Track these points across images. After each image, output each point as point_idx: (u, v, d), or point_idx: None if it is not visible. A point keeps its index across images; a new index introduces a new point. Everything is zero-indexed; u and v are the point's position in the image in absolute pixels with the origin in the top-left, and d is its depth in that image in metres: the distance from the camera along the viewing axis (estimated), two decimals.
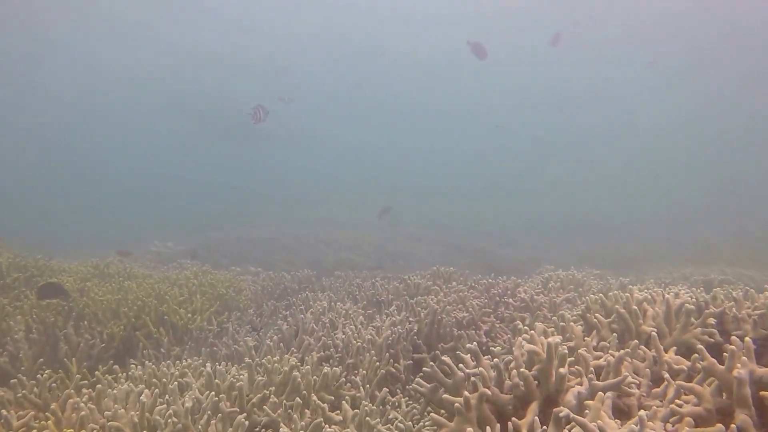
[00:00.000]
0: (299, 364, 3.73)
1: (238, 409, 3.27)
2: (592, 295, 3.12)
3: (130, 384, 3.56)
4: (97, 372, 3.94)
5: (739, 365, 1.78)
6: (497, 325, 4.35)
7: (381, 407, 3.45)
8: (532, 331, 2.43)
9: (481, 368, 2.35)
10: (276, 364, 3.58)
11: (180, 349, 5.20)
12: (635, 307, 2.70)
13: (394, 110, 41.98)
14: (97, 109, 40.80)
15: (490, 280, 5.11)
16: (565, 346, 2.37)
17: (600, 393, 1.97)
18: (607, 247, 17.66)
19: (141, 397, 3.05)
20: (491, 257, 13.29)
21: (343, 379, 3.58)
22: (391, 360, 3.91)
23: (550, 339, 2.27)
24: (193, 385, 3.45)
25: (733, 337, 1.92)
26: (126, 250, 9.35)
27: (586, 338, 2.72)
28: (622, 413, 2.17)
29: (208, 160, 40.60)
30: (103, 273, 6.89)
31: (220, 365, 3.82)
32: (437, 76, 39.08)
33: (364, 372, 3.72)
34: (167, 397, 3.34)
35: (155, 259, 10.64)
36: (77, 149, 42.53)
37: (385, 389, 3.50)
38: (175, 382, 3.40)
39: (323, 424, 3.06)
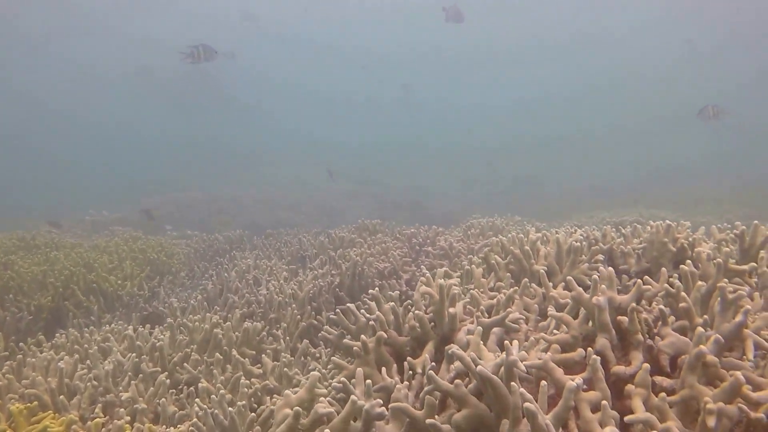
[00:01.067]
0: (221, 321, 3.77)
1: (160, 369, 3.30)
2: (493, 238, 3.24)
3: (52, 352, 3.54)
4: (21, 344, 3.88)
5: (599, 293, 1.91)
6: (417, 274, 4.47)
7: (302, 359, 3.54)
8: (428, 274, 2.53)
9: (378, 312, 2.43)
10: (197, 323, 3.60)
11: (111, 316, 5.15)
12: (528, 248, 2.83)
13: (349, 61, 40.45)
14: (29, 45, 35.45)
15: (412, 230, 5.22)
16: (457, 288, 2.48)
17: (480, 329, 2.07)
18: (544, 201, 18.14)
19: (59, 364, 3.03)
20: (427, 211, 13.48)
21: (264, 333, 3.63)
22: (314, 313, 3.99)
23: (441, 280, 2.37)
24: (114, 349, 3.45)
25: (601, 268, 2.05)
26: (56, 221, 9.08)
27: (483, 279, 2.84)
28: None
29: (157, 119, 38.81)
30: (30, 245, 6.70)
31: (144, 328, 3.82)
32: (395, 24, 37.83)
33: (285, 325, 3.78)
34: (88, 362, 3.34)
35: (89, 228, 10.37)
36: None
37: (305, 341, 3.58)
38: (95, 347, 3.40)
39: (243, 378, 3.12)
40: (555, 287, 2.63)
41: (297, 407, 1.64)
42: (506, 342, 1.72)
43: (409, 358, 2.25)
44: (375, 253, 4.71)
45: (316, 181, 17.47)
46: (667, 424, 1.57)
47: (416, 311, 2.38)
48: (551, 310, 2.21)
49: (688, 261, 2.20)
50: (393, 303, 2.46)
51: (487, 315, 2.41)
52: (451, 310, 2.31)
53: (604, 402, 1.58)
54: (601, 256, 2.95)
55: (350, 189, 16.12)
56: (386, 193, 16.14)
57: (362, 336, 2.33)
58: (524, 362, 1.78)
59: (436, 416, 1.86)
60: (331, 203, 13.14)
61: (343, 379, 1.92)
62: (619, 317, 1.91)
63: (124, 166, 30.07)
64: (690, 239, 2.87)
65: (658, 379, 1.82)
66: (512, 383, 1.62)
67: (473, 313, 2.47)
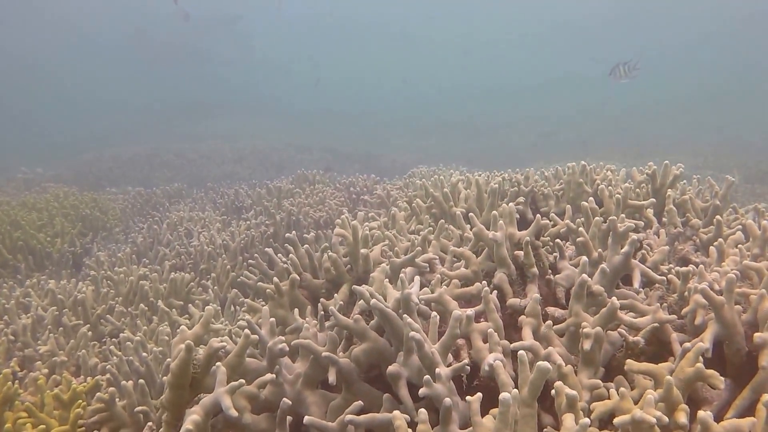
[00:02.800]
0: (149, 273, 3.78)
1: (83, 322, 3.32)
2: (417, 182, 3.31)
3: None
4: None
5: (498, 228, 2.00)
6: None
7: (232, 308, 3.59)
8: (344, 216, 2.58)
9: (292, 255, 2.49)
10: (122, 275, 3.61)
11: (40, 274, 5.10)
12: (447, 190, 2.90)
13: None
14: None
15: (351, 179, 5.26)
16: (376, 230, 2.54)
17: (386, 267, 2.15)
18: (503, 152, 18.33)
19: None
20: (380, 163, 13.52)
21: (193, 284, 3.67)
22: (245, 264, 4.03)
23: (355, 222, 2.43)
24: (33, 303, 3.44)
25: (504, 205, 2.14)
26: None
27: (402, 222, 2.92)
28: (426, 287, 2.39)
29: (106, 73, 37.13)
30: None
31: (68, 282, 3.81)
32: None
33: (215, 276, 3.82)
34: (6, 317, 3.33)
35: (21, 186, 10.10)
36: None
37: (234, 291, 3.62)
38: (13, 302, 3.38)
39: (168, 327, 3.16)
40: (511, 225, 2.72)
41: (189, 341, 1.69)
42: (402, 276, 1.80)
43: (322, 300, 2.32)
44: (312, 203, 4.75)
45: (268, 135, 17.33)
46: (550, 349, 1.68)
47: (330, 253, 2.44)
48: (459, 249, 2.29)
49: (591, 198, 2.30)
50: (307, 246, 2.52)
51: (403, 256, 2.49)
52: (363, 251, 2.38)
53: (490, 330, 1.67)
54: (522, 198, 3.06)
55: (303, 143, 16.01)
56: (341, 146, 16.09)
57: (275, 278, 2.39)
58: (422, 296, 1.87)
59: (340, 353, 1.94)
60: (281, 156, 13.05)
61: (247, 317, 1.97)
62: (516, 252, 2.01)
63: (77, 124, 28.80)
64: (605, 182, 2.99)
65: (551, 309, 1.94)
66: (405, 315, 1.70)
67: (391, 255, 2.54)
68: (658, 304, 1.89)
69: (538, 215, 2.11)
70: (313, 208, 4.62)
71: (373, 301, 1.73)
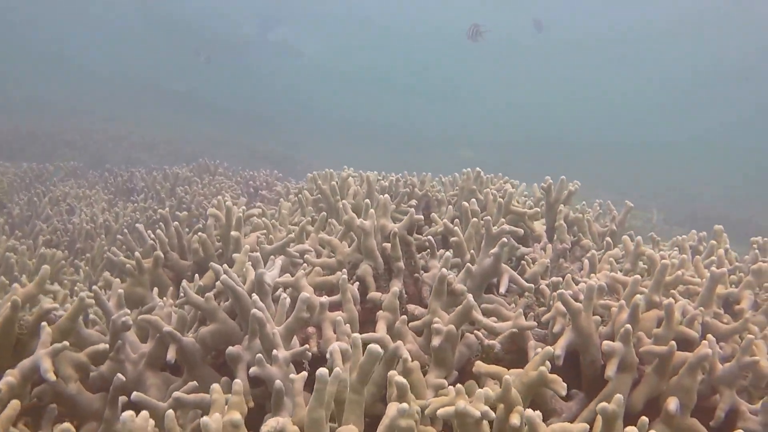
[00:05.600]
0: (18, 245, 3.57)
1: None
2: (308, 175, 3.28)
3: None
4: None
5: (367, 218, 1.98)
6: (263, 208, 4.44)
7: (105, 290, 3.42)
8: (220, 198, 2.51)
9: (159, 232, 2.39)
10: None
11: None
12: (334, 184, 2.88)
13: None
14: None
15: (252, 173, 5.17)
16: (255, 217, 2.48)
17: (248, 248, 2.10)
18: (413, 160, 18.51)
19: None
20: (297, 165, 13.40)
21: (65, 262, 3.47)
22: (124, 246, 3.86)
23: (228, 203, 2.36)
24: None
25: (380, 197, 2.13)
26: None
27: (284, 212, 2.87)
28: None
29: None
30: None
31: None
32: None
33: (90, 256, 3.64)
34: None
35: None
36: None
37: (106, 273, 3.45)
38: None
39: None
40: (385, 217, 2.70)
41: (17, 298, 1.59)
42: (254, 255, 1.75)
43: (184, 281, 2.23)
44: (207, 194, 4.62)
45: (188, 126, 16.89)
46: (399, 343, 1.66)
47: (200, 234, 2.36)
48: (337, 242, 2.26)
49: (473, 200, 2.33)
50: (177, 224, 2.43)
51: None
52: (234, 233, 2.32)
53: (338, 319, 1.64)
54: (414, 201, 3.07)
55: (221, 137, 15.68)
56: (260, 145, 15.84)
57: (137, 254, 2.29)
58: (279, 280, 1.82)
59: (191, 334, 1.87)
60: (195, 149, 12.70)
61: (95, 287, 1.87)
62: (385, 243, 2.00)
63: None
64: (502, 191, 3.04)
65: (411, 307, 1.93)
66: (254, 295, 1.65)
67: (271, 241, 2.49)
68: (521, 311, 1.91)
69: (412, 209, 2.11)
70: (207, 199, 4.50)
71: (223, 276, 1.67)
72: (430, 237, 2.07)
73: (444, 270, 1.74)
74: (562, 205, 2.87)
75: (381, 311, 1.82)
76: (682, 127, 33.36)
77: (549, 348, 1.58)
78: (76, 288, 3.32)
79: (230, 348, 1.61)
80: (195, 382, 1.62)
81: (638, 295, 1.68)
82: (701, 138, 30.77)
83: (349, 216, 2.04)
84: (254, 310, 1.52)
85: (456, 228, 2.11)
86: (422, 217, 2.14)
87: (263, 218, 2.65)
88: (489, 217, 1.99)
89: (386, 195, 2.15)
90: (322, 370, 1.16)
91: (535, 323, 1.83)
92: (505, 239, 1.94)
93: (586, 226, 3.05)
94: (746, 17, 30.10)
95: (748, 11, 29.70)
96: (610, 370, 1.57)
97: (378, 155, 19.16)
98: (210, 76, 32.62)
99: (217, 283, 1.99)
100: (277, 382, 1.39)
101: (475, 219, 2.16)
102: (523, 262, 2.40)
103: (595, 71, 36.25)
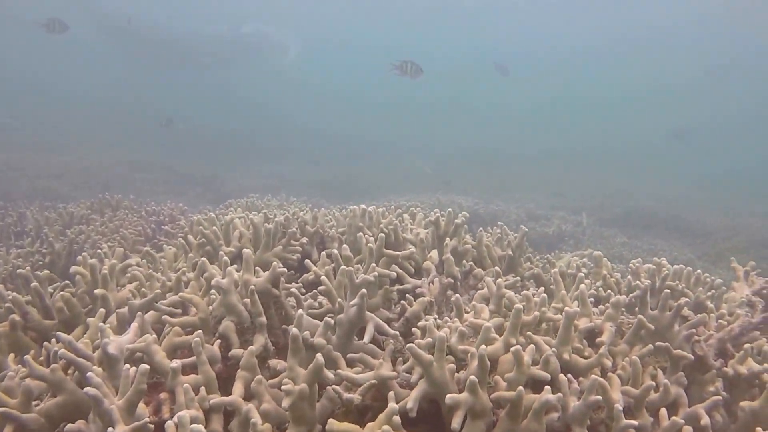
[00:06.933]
0: None
1: None
2: (194, 217, 3.24)
3: None
4: None
5: (226, 274, 1.98)
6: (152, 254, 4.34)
7: None
8: (84, 254, 2.45)
9: (14, 294, 2.31)
10: None
11: None
12: (216, 228, 2.85)
13: None
14: None
15: (155, 208, 5.07)
16: (126, 264, 2.43)
17: (120, 311, 2.05)
18: (357, 176, 18.46)
19: None
20: (222, 187, 13.22)
21: None
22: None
23: (93, 260, 2.31)
24: None
25: (245, 250, 2.12)
26: None
27: (163, 260, 2.83)
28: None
29: None
30: None
31: None
32: None
33: None
34: None
35: None
36: None
37: None
38: None
39: None
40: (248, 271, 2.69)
41: None
42: (102, 325, 1.72)
43: (45, 343, 2.17)
44: (105, 232, 4.49)
45: (108, 149, 16.38)
46: (250, 406, 1.66)
47: (63, 292, 2.30)
48: (189, 294, 2.22)
49: (345, 246, 2.35)
50: (36, 284, 2.35)
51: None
52: (98, 291, 2.26)
53: (186, 386, 1.63)
54: (305, 239, 3.07)
55: (142, 160, 15.28)
56: (183, 165, 15.50)
57: None
58: (130, 345, 1.79)
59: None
60: (110, 174, 12.35)
61: None
62: (245, 299, 1.99)
63: None
64: (391, 226, 3.07)
65: (274, 362, 1.93)
66: (93, 368, 1.61)
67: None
68: (384, 360, 1.93)
69: (275, 262, 2.12)
70: (106, 237, 4.37)
71: (61, 350, 1.63)
72: (293, 290, 2.08)
73: (294, 330, 1.74)
74: (448, 238, 2.93)
75: (239, 370, 1.81)
76: (621, 134, 35.15)
77: (393, 405, 1.62)
78: None
79: (69, 425, 1.58)
80: None
81: (482, 346, 1.72)
82: (640, 145, 32.25)
83: (209, 273, 2.02)
84: (87, 389, 1.49)
85: (324, 277, 2.12)
86: (285, 270, 2.14)
87: (140, 269, 2.59)
88: (351, 269, 2.01)
89: (246, 250, 2.14)
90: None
91: (395, 374, 1.85)
92: (364, 291, 1.95)
93: (484, 252, 3.12)
94: (676, 38, 32.27)
95: (670, 33, 31.84)
96: (455, 422, 1.61)
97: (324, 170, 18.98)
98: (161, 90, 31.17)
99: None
100: None
101: (343, 266, 2.17)
102: (403, 301, 2.43)
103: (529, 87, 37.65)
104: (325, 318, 1.90)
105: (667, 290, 2.30)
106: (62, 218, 4.82)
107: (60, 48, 30.56)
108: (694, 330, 2.21)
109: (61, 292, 2.31)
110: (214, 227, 2.86)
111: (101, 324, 1.71)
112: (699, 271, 3.01)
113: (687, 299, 2.57)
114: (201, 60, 27.88)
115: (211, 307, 2.05)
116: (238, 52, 29.06)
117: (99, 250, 2.81)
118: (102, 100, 30.25)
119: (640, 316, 2.21)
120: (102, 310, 2.01)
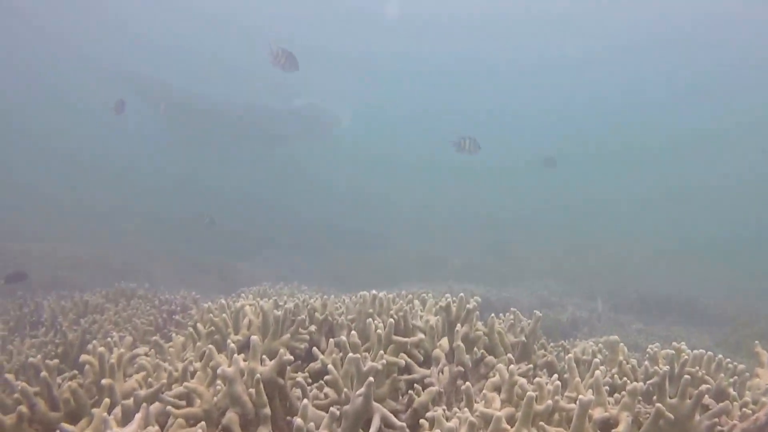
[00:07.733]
0: None
1: None
2: (204, 305, 3.25)
3: None
4: None
5: (231, 364, 1.97)
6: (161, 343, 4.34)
7: None
8: (94, 342, 2.46)
9: (23, 384, 2.31)
10: None
11: None
12: (225, 316, 2.86)
13: None
14: None
15: (168, 297, 5.10)
16: (135, 353, 2.43)
17: (127, 403, 2.04)
18: (371, 262, 18.47)
19: None
20: (238, 276, 13.27)
21: None
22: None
23: (101, 349, 2.32)
24: None
25: (253, 338, 2.12)
26: None
27: (172, 349, 2.82)
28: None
29: None
30: None
31: None
32: None
33: None
34: None
35: None
36: None
37: None
38: None
39: None
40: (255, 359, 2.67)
41: None
42: (105, 416, 1.71)
43: None
44: (118, 321, 4.52)
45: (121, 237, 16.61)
46: None
47: (71, 383, 2.29)
48: (193, 384, 2.21)
49: (353, 333, 2.34)
50: (45, 373, 2.35)
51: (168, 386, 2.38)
52: (104, 382, 2.26)
53: None
54: (314, 327, 3.06)
55: (159, 248, 15.48)
56: (196, 254, 15.66)
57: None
58: None
59: None
60: (131, 263, 12.50)
61: None
62: (250, 389, 1.97)
63: None
64: (401, 313, 3.06)
65: None
66: None
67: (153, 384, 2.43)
68: None
69: (282, 350, 2.11)
70: (118, 327, 4.39)
71: None
72: (299, 379, 2.06)
73: (299, 421, 1.72)
74: (459, 324, 2.90)
75: None
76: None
77: None
78: None
79: None
80: None
81: None
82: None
83: (215, 362, 2.02)
84: None
85: (330, 365, 2.10)
86: (292, 359, 2.13)
87: (147, 358, 2.59)
88: (358, 356, 2.00)
89: (254, 337, 2.14)
90: None
91: None
92: (371, 379, 1.94)
93: (496, 339, 3.08)
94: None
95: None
96: None
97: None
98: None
99: None
100: None
101: (350, 354, 2.16)
102: (411, 391, 2.39)
103: None
104: (331, 409, 1.87)
105: (687, 376, 2.25)
106: (77, 307, 4.86)
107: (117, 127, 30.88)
108: (716, 419, 2.15)
109: (69, 383, 2.30)
110: (224, 315, 2.87)
111: (104, 415, 1.70)
112: (720, 356, 2.95)
113: (708, 386, 2.51)
114: (263, 135, 27.35)
115: (215, 399, 2.03)
116: (296, 124, 28.38)
117: (109, 339, 2.81)
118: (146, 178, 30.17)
119: (659, 404, 2.15)
120: (107, 400, 2.00)
